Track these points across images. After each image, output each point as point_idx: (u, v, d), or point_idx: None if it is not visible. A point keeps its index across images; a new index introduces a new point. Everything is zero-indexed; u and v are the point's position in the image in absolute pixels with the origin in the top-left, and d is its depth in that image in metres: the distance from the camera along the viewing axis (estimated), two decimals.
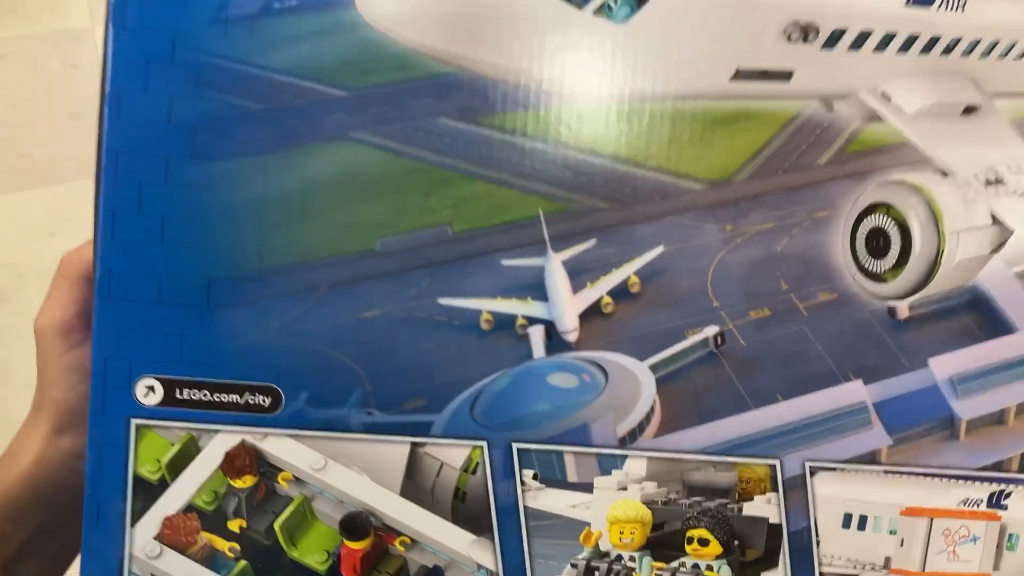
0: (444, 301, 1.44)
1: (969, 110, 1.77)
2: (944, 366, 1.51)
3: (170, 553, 1.33)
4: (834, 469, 1.37)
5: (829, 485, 1.38)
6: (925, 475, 1.37)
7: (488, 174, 1.50)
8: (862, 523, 1.39)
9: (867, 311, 1.56)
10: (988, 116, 1.81)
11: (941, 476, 1.37)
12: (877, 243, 1.59)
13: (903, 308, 1.56)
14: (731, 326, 1.49)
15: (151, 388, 1.34)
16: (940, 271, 1.62)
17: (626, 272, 1.50)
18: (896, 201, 1.64)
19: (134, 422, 1.35)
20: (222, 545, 1.35)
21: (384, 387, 1.36)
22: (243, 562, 1.34)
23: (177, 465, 1.35)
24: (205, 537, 1.35)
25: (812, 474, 1.37)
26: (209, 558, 1.35)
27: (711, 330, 1.50)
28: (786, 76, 1.67)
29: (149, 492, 1.35)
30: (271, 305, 1.39)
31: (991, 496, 1.38)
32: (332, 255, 1.44)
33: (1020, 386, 1.47)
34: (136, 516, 1.34)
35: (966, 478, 1.38)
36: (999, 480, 1.39)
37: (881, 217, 1.61)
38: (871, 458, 1.38)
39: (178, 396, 1.34)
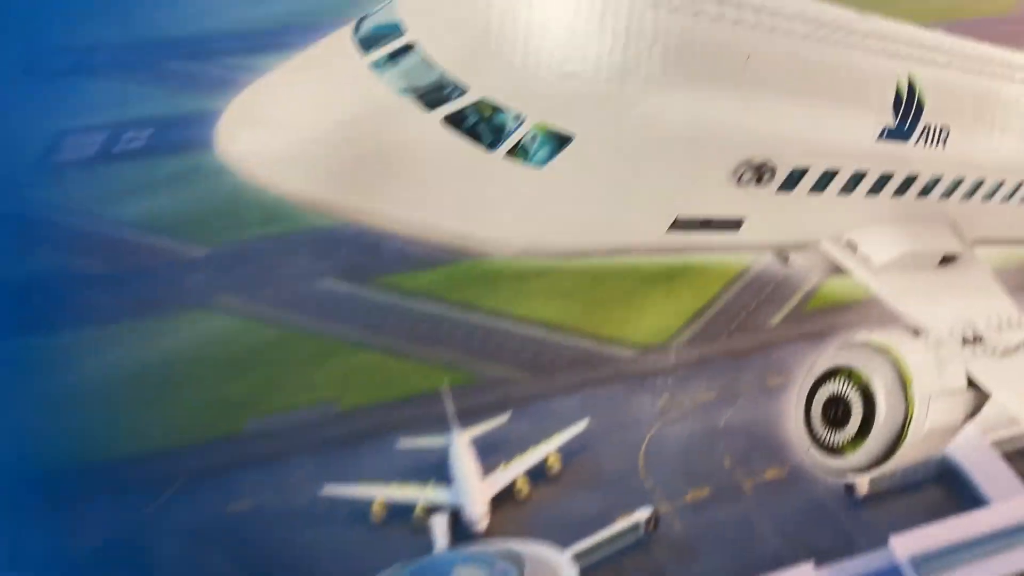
0: (329, 490, 1.48)
1: (947, 259, 1.61)
2: (906, 545, 1.54)
3: None
4: None
5: None
6: None
7: (381, 342, 1.54)
8: None
9: (820, 488, 1.57)
10: (968, 266, 1.62)
11: None
12: (836, 412, 1.44)
13: (862, 484, 1.61)
14: (666, 508, 1.56)
15: None
16: (907, 441, 1.46)
17: (545, 450, 1.60)
18: (859, 364, 1.48)
19: None
20: None
21: None
22: None
23: None
24: None
25: None
26: None
27: (642, 513, 1.57)
28: (735, 225, 1.49)
29: None
30: (123, 500, 1.42)
31: None
32: (192, 441, 1.48)
33: (991, 562, 1.53)
34: None
35: None
36: None
37: (842, 383, 1.46)
38: None
39: None
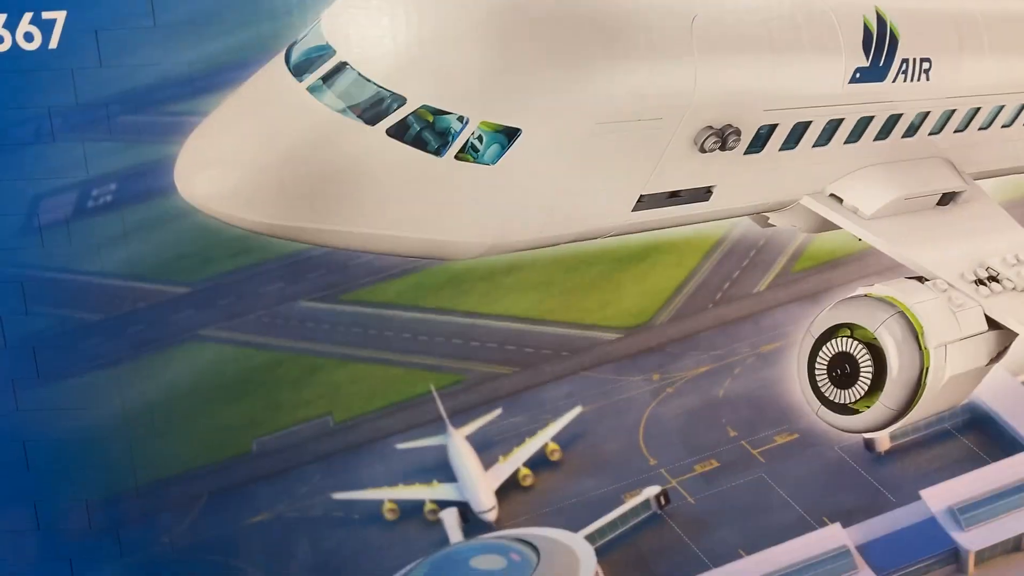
0: (339, 496, 1.51)
1: (947, 198, 1.44)
2: (940, 496, 1.40)
3: None
4: None
5: None
6: None
7: (363, 354, 1.56)
8: None
9: (837, 448, 1.47)
10: (972, 203, 1.38)
11: None
12: (842, 371, 1.27)
13: (883, 439, 1.49)
14: (674, 483, 1.52)
15: None
16: (926, 393, 1.30)
17: (542, 440, 1.53)
18: (861, 320, 1.29)
19: None
20: None
21: None
22: None
23: None
24: None
25: None
26: None
27: (651, 490, 1.47)
28: (704, 194, 1.35)
29: None
30: (155, 521, 1.50)
31: None
32: (207, 463, 1.53)
33: None
34: None
35: None
36: None
37: (845, 341, 1.30)
38: None
39: None
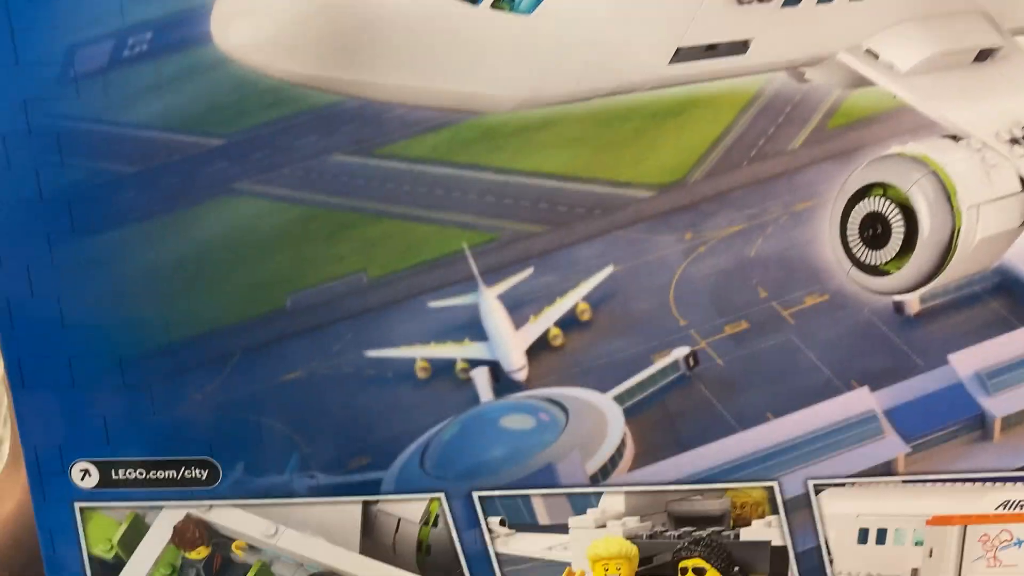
0: (372, 353, 1.19)
1: (984, 55, 1.30)
2: (968, 361, 1.18)
3: None
4: (843, 484, 1.12)
5: (838, 501, 1.13)
6: (952, 481, 1.12)
7: (397, 211, 1.21)
8: (881, 537, 1.12)
9: (867, 310, 1.21)
10: (1010, 59, 1.27)
11: (972, 480, 1.12)
12: (874, 231, 1.21)
13: (913, 302, 1.22)
14: (703, 344, 1.19)
15: (86, 471, 1.19)
16: (956, 255, 1.17)
17: (572, 299, 1.22)
18: (894, 179, 1.23)
19: (77, 505, 1.20)
20: None
21: (323, 448, 1.17)
22: None
23: (128, 542, 1.23)
24: None
25: (817, 492, 1.12)
26: None
27: (681, 351, 1.20)
28: (741, 48, 1.24)
29: (106, 570, 1.23)
30: (188, 378, 1.20)
31: None
32: (240, 319, 1.20)
33: None
34: None
35: (1003, 479, 1.11)
36: None
37: (878, 200, 1.23)
38: (886, 469, 1.13)
39: (115, 477, 1.19)
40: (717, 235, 1.19)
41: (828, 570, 1.13)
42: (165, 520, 1.20)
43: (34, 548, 1.28)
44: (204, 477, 1.17)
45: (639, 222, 1.19)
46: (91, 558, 1.21)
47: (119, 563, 1.22)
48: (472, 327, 1.18)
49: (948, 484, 1.12)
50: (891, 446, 1.13)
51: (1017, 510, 1.09)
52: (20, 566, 1.30)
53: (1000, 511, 1.09)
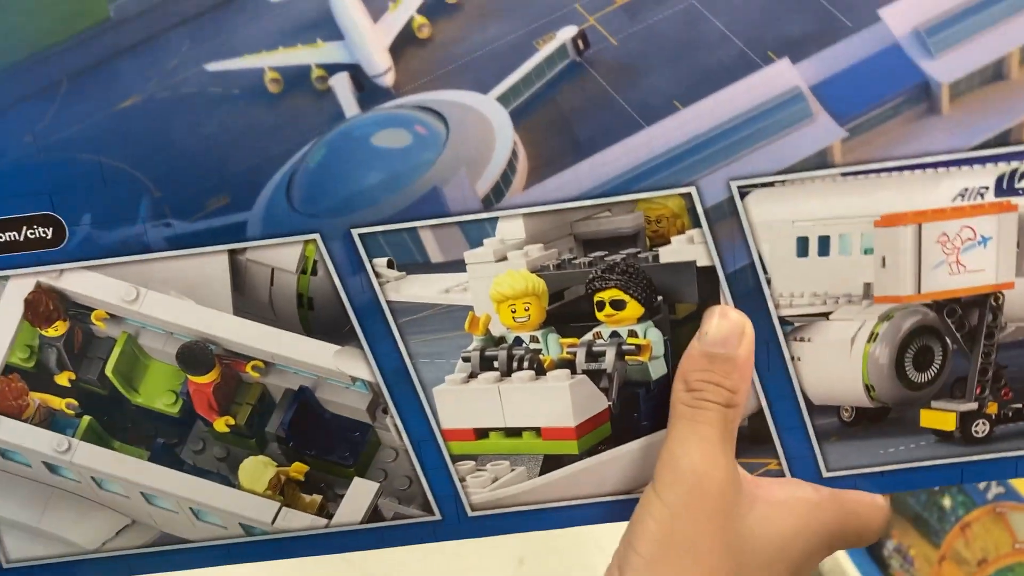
0: (213, 66, 1.03)
1: None
2: (904, 16, 1.00)
3: (5, 421, 1.10)
4: (771, 184, 0.98)
5: (768, 205, 0.99)
6: (898, 169, 0.98)
7: None
8: (823, 246, 1.00)
9: None
10: None
11: (922, 167, 0.97)
12: None
13: None
14: (592, 21, 1.02)
15: None
16: None
17: None
18: None
19: None
20: (58, 403, 1.10)
21: (174, 189, 1.03)
22: (87, 418, 1.11)
23: None
24: (36, 398, 1.10)
25: (743, 196, 0.98)
26: (47, 419, 1.11)
27: (567, 32, 1.02)
28: None
29: None
30: (13, 115, 1.04)
31: (999, 180, 0.98)
32: (61, 38, 1.04)
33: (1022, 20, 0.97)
34: None
35: (959, 163, 0.98)
36: (1007, 157, 0.98)
37: None
38: (820, 161, 0.99)
39: None
40: None
41: (767, 291, 1.00)
42: (12, 293, 1.09)
43: None
44: (49, 236, 1.06)
45: None
46: None
47: None
48: (324, 25, 1.02)
49: (895, 174, 0.97)
50: (824, 130, 0.98)
51: (976, 199, 0.97)
52: None
53: (959, 203, 0.97)
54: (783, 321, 1.02)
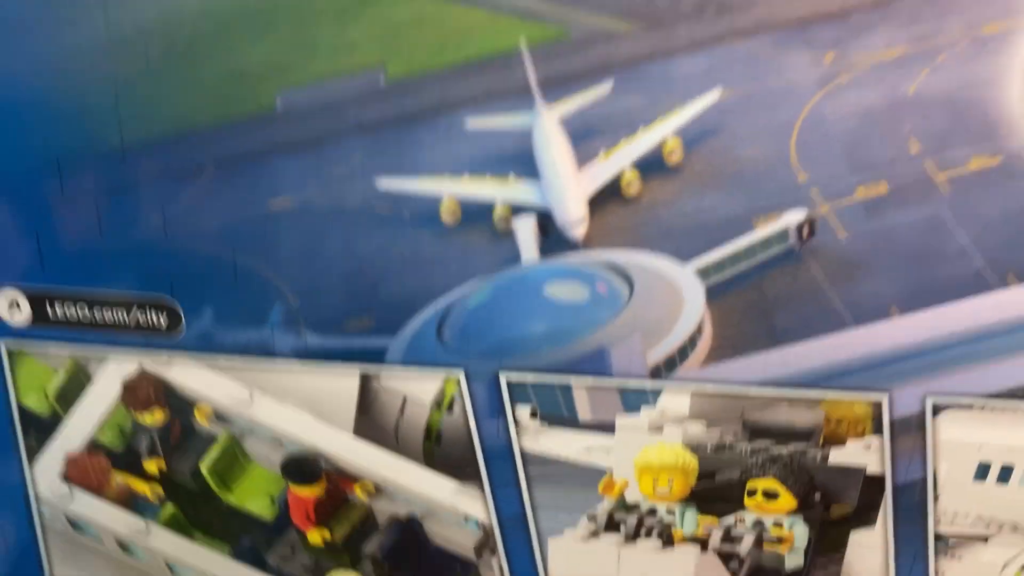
0: (385, 184, 0.98)
1: None
2: None
3: (83, 495, 1.07)
4: (971, 407, 0.93)
5: (960, 427, 0.95)
6: None
7: None
8: (1004, 475, 0.95)
9: None
10: None
11: None
12: None
13: None
14: (825, 210, 0.96)
15: (15, 303, 1.03)
16: None
17: (661, 132, 0.97)
18: None
19: (3, 344, 1.05)
20: (142, 487, 1.07)
21: (315, 302, 0.99)
22: (170, 505, 1.08)
23: (67, 396, 1.07)
24: (119, 478, 1.08)
25: (936, 413, 0.94)
26: (129, 501, 1.08)
27: (794, 216, 0.97)
28: None
29: (41, 427, 1.08)
30: (143, 193, 1.00)
31: None
32: (216, 121, 0.97)
33: None
34: (32, 452, 1.08)
35: None
36: None
37: None
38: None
39: (51, 314, 1.03)
40: (867, 60, 0.93)
41: (931, 508, 0.95)
42: (111, 373, 1.04)
43: None
44: (163, 323, 1.00)
45: (764, 31, 0.93)
46: (21, 410, 1.06)
47: (55, 420, 1.07)
48: (521, 160, 0.96)
49: None
50: None
51: None
52: None
53: None
54: (938, 537, 0.97)
